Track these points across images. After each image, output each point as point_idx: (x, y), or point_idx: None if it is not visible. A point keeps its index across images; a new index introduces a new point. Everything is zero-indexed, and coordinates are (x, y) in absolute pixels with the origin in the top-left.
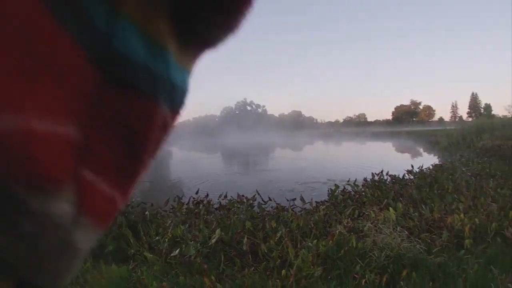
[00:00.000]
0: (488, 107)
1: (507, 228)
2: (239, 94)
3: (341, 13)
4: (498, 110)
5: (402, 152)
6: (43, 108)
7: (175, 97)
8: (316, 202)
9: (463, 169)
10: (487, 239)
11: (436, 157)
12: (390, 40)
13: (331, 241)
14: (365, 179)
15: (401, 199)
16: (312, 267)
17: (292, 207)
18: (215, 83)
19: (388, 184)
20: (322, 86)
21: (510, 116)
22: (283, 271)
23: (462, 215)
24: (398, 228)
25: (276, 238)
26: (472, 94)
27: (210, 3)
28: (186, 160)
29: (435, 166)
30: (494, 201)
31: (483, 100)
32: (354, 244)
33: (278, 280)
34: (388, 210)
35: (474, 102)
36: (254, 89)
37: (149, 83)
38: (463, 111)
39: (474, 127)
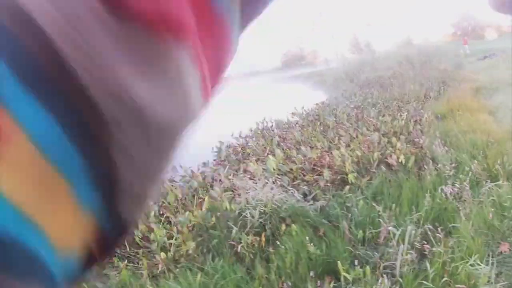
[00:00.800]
0: (368, 44)
1: (390, 156)
2: None
3: None
4: (380, 47)
5: (294, 94)
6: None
7: (236, 39)
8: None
9: (346, 102)
10: (371, 170)
11: (324, 94)
12: None
13: (201, 210)
14: (250, 130)
15: (282, 143)
16: (183, 243)
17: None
18: None
19: (273, 130)
20: None
21: (389, 49)
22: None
23: (343, 150)
24: (273, 179)
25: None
26: (353, 34)
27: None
28: None
29: (318, 104)
30: (376, 129)
31: (364, 38)
32: (228, 207)
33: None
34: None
35: (355, 41)
36: None
37: (231, 22)
38: (346, 49)
39: (356, 63)
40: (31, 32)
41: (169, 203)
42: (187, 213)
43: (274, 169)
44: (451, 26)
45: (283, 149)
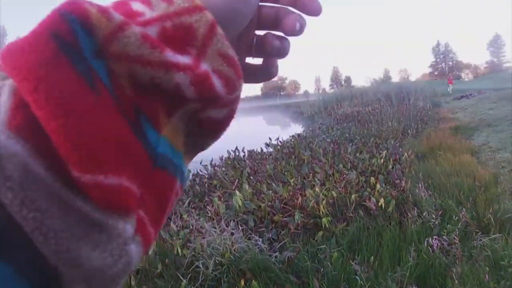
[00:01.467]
0: (348, 79)
1: (369, 198)
2: None
3: None
4: (358, 82)
5: (272, 124)
6: (130, 177)
7: (183, 178)
8: None
9: (323, 136)
10: (347, 213)
11: (301, 126)
12: None
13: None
14: (221, 158)
15: (251, 177)
16: None
17: None
18: None
19: (245, 161)
20: None
21: (368, 86)
22: None
23: (317, 189)
24: (235, 221)
25: None
26: (333, 67)
27: (209, 134)
28: None
29: (294, 136)
30: (354, 167)
31: (344, 73)
32: (180, 252)
33: None
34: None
35: (335, 75)
36: None
37: (173, 169)
38: (326, 84)
39: (334, 96)
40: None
41: None
42: None
43: (239, 206)
44: (429, 67)
45: (253, 183)
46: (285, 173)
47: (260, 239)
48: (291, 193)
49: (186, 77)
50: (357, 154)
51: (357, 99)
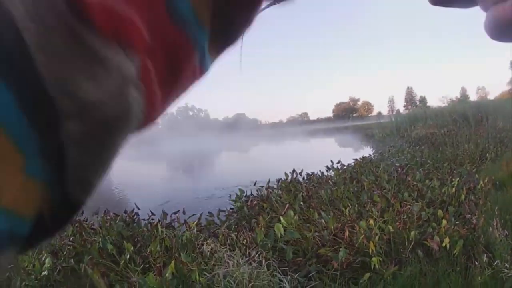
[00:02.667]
0: (423, 99)
1: (432, 236)
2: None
3: (276, 9)
4: (433, 102)
5: (341, 146)
6: (141, 16)
7: (203, 60)
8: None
9: (392, 160)
10: (403, 254)
11: (371, 149)
12: (327, 39)
13: (159, 276)
14: (278, 180)
15: (302, 203)
16: None
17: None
18: None
19: (304, 183)
20: (265, 88)
21: (444, 106)
22: None
23: (371, 221)
24: (260, 253)
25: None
26: (408, 88)
27: (240, 16)
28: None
29: (359, 159)
30: (420, 196)
31: (419, 93)
32: (198, 278)
33: None
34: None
35: (409, 95)
36: (196, 93)
37: (193, 37)
38: (400, 105)
39: (407, 118)
40: (3, 19)
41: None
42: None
43: (280, 235)
44: (509, 83)
45: (305, 209)
46: (343, 200)
47: (288, 277)
48: (340, 224)
49: None
50: (426, 181)
51: (432, 120)
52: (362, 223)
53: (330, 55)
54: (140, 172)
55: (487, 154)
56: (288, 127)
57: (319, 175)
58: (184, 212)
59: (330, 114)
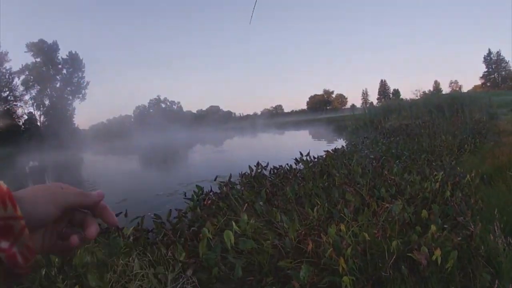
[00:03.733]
0: (397, 92)
1: (419, 247)
2: (153, 92)
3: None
4: (407, 95)
5: (314, 138)
6: None
7: None
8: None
9: (366, 151)
10: (382, 271)
11: (344, 141)
12: (302, 33)
13: None
14: (240, 174)
15: (263, 202)
16: None
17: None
18: (126, 82)
19: (269, 178)
20: (239, 80)
21: (417, 98)
22: None
23: (343, 227)
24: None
25: None
26: (381, 81)
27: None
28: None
29: (330, 151)
30: (399, 191)
31: (392, 86)
32: None
33: None
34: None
35: (383, 88)
36: (168, 86)
37: None
38: (373, 97)
39: (381, 109)
40: None
41: None
42: None
43: (231, 245)
44: (481, 78)
45: (266, 209)
46: (311, 197)
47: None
48: (303, 230)
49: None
50: (405, 175)
51: (406, 111)
52: (331, 230)
53: (305, 48)
54: (103, 166)
55: (466, 146)
56: (262, 119)
57: (287, 169)
58: (125, 215)
59: (305, 107)
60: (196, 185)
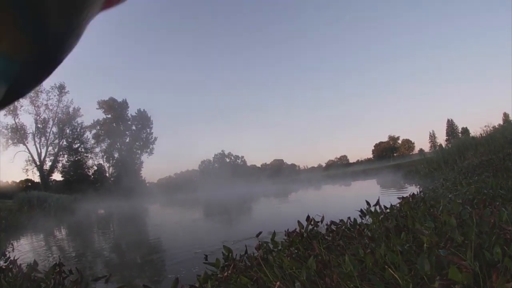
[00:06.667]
0: (466, 130)
1: None
2: (218, 147)
3: (305, 54)
4: (476, 132)
5: (383, 187)
6: None
7: None
8: None
9: (450, 196)
10: None
11: (417, 187)
12: (360, 83)
13: None
14: (286, 232)
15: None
16: None
17: None
18: (194, 138)
19: (323, 239)
20: (302, 133)
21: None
22: None
23: None
24: None
25: None
26: (448, 120)
27: None
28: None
29: (409, 196)
30: None
31: (460, 125)
32: None
33: None
34: None
35: (451, 128)
36: (232, 141)
37: None
38: (441, 139)
39: (455, 148)
40: None
41: None
42: None
43: None
44: None
45: None
46: (384, 271)
47: None
48: None
49: None
50: None
51: (483, 146)
52: None
53: (362, 94)
54: (159, 217)
55: None
56: (327, 171)
57: (350, 224)
58: (106, 281)
59: (370, 155)
60: (224, 246)
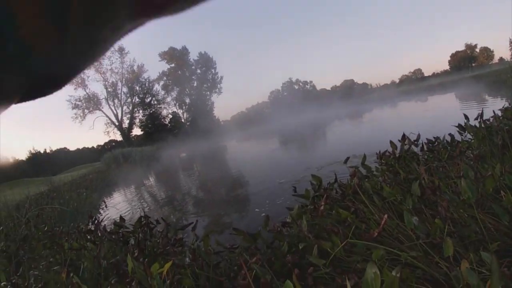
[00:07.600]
0: None
1: None
2: (285, 76)
3: None
4: None
5: (464, 101)
6: None
7: None
8: None
9: None
10: None
11: (505, 100)
12: None
13: None
14: (378, 155)
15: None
16: None
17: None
18: (260, 71)
19: (422, 156)
20: (372, 49)
21: None
22: None
23: None
24: None
25: None
26: None
27: None
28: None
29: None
30: None
31: None
32: None
33: None
34: None
35: None
36: (300, 68)
37: None
38: None
39: None
40: None
41: None
42: None
43: None
44: None
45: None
46: (500, 197)
47: None
48: None
49: None
50: None
51: None
52: None
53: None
54: (237, 153)
55: None
56: (401, 87)
57: (446, 142)
58: (193, 228)
59: (446, 67)
60: (312, 175)
